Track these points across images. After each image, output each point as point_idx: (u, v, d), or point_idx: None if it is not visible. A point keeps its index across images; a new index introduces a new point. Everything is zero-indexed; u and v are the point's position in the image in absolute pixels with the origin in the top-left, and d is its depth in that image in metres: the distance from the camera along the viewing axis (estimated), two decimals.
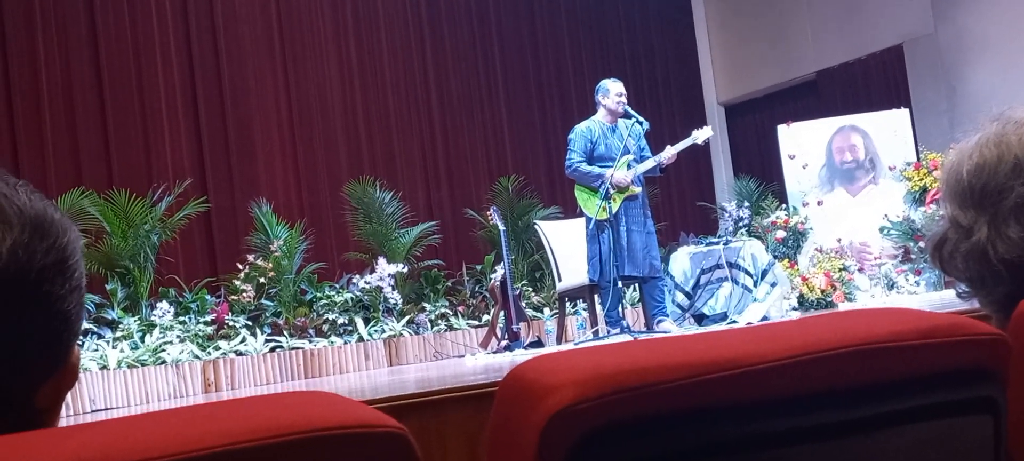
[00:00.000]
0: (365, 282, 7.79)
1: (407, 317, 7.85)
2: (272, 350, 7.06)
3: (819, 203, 9.32)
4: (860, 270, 8.68)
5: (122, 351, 6.41)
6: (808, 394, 0.80)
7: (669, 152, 6.53)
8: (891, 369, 0.84)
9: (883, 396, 0.83)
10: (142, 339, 6.60)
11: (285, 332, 7.24)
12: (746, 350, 0.79)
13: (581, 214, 6.68)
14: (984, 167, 1.16)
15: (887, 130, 9.37)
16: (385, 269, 7.81)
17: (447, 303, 8.33)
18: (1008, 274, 1.13)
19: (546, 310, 8.22)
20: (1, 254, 0.74)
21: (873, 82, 10.83)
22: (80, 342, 0.83)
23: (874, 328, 0.85)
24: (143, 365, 6.39)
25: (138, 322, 6.73)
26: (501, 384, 0.80)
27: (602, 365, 0.75)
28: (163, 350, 6.57)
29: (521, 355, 6.30)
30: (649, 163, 6.55)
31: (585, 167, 6.52)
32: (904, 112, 9.55)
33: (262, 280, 7.44)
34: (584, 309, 7.41)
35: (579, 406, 0.72)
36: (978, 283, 1.17)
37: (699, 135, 6.71)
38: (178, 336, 6.76)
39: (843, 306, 7.87)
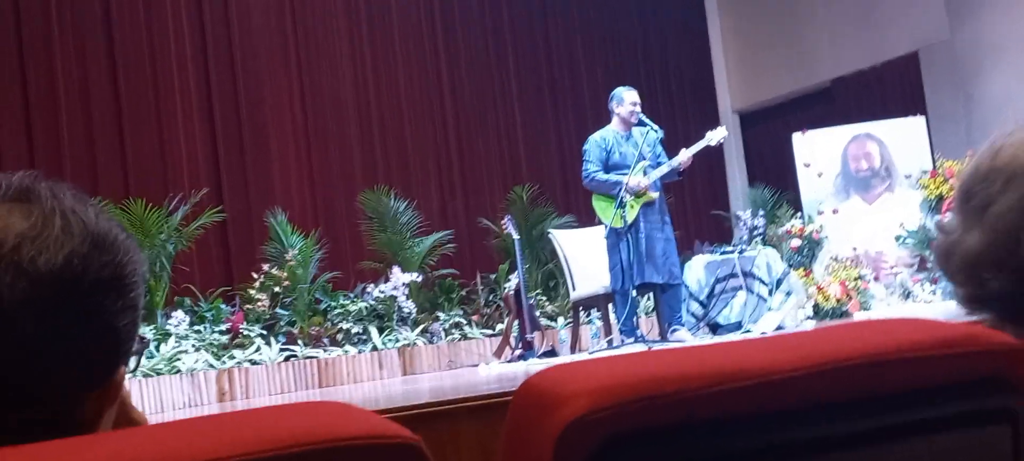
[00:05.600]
0: (379, 291, 7.80)
1: (421, 326, 7.86)
2: (286, 359, 7.08)
3: (834, 211, 9.28)
4: (876, 279, 8.64)
5: (137, 360, 6.44)
6: (824, 405, 0.80)
7: (684, 155, 6.52)
8: (908, 380, 0.83)
9: (900, 407, 0.82)
10: (157, 348, 6.63)
11: (300, 341, 7.26)
12: (762, 360, 0.79)
13: (599, 223, 6.68)
14: (969, 173, 1.15)
15: (903, 138, 9.32)
16: (399, 278, 7.82)
17: (461, 312, 8.33)
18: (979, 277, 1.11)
19: (560, 319, 8.21)
20: (57, 261, 0.76)
21: (889, 89, 10.79)
22: (135, 367, 0.86)
23: (891, 339, 0.85)
24: (158, 374, 6.42)
25: (153, 331, 6.75)
26: (516, 393, 0.80)
27: (618, 374, 0.75)
28: (178, 359, 6.59)
29: (535, 364, 6.30)
30: (664, 168, 6.54)
31: (602, 176, 6.52)
32: (920, 119, 9.51)
33: (277, 289, 7.46)
34: (598, 318, 7.40)
35: (594, 415, 0.72)
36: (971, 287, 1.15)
37: (713, 136, 6.69)
38: (193, 345, 6.78)
39: (858, 315, 7.84)
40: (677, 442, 0.75)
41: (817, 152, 9.41)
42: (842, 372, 0.80)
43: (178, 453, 0.60)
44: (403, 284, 7.81)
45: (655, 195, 6.52)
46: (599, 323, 7.27)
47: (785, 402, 0.79)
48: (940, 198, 8.68)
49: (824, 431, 0.79)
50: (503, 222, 7.76)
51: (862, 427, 0.80)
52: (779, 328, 6.90)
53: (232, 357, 6.89)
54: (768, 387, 0.77)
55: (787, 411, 0.79)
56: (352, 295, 7.94)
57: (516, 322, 7.03)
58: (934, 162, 9.03)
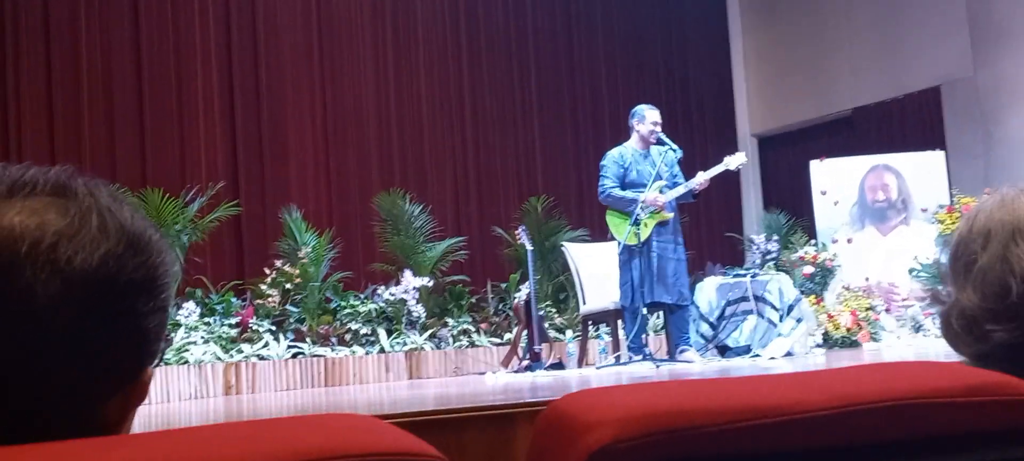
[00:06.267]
0: (390, 293, 7.80)
1: (429, 331, 7.86)
2: (294, 356, 7.09)
3: (849, 240, 9.25)
4: (887, 310, 8.60)
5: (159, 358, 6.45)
6: (851, 446, 0.79)
7: (701, 178, 6.51)
8: (936, 425, 0.83)
9: (927, 452, 0.82)
10: (169, 343, 6.63)
11: (308, 339, 7.26)
12: (789, 397, 0.78)
13: (612, 238, 6.67)
14: (954, 243, 1.23)
15: (921, 171, 9.30)
16: (410, 282, 7.82)
17: (470, 319, 8.33)
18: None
19: (569, 332, 8.19)
20: (93, 261, 0.75)
21: (909, 122, 10.75)
22: (156, 364, 0.86)
23: (920, 382, 0.84)
24: (166, 364, 6.43)
25: None
26: (541, 415, 0.79)
27: (644, 404, 0.74)
28: (187, 350, 6.60)
29: (542, 376, 6.29)
30: (681, 189, 6.53)
31: (618, 192, 6.52)
32: (939, 154, 9.48)
33: (288, 286, 7.47)
34: (607, 334, 7.39)
35: (619, 445, 0.71)
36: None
37: (731, 161, 6.67)
38: (202, 337, 6.80)
39: (868, 346, 7.80)
40: None
41: (834, 180, 9.39)
42: (870, 414, 0.79)
43: (205, 459, 0.60)
44: (413, 288, 7.81)
45: (669, 215, 6.51)
46: (608, 338, 7.26)
47: (810, 441, 0.78)
48: None
49: None
50: (517, 232, 7.76)
51: None
52: (788, 354, 6.87)
53: (240, 351, 6.90)
54: (795, 425, 0.77)
55: (812, 450, 0.78)
56: (362, 296, 7.95)
57: (525, 332, 7.03)
58: (951, 197, 9.00)
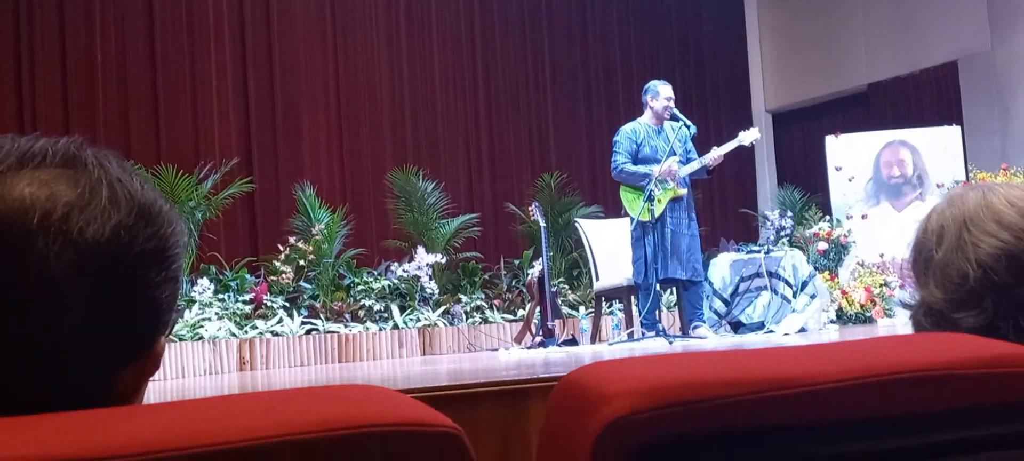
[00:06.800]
0: (403, 270, 7.82)
1: (443, 307, 7.87)
2: (308, 332, 7.11)
3: (863, 217, 9.21)
4: (901, 287, 8.56)
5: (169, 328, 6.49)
6: (867, 418, 0.79)
7: (715, 154, 6.49)
8: (952, 397, 0.82)
9: (943, 424, 0.81)
10: (181, 314, 6.68)
11: (321, 315, 7.29)
12: (805, 369, 0.78)
13: (625, 214, 6.66)
14: (912, 248, 1.32)
15: (937, 147, 9.24)
16: (424, 258, 7.83)
17: (483, 296, 8.34)
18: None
19: (582, 309, 8.20)
20: (104, 232, 0.75)
21: (925, 97, 10.68)
22: (167, 335, 0.87)
23: (936, 354, 0.84)
24: (181, 340, 6.47)
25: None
26: (556, 388, 0.79)
27: (661, 376, 0.74)
28: (201, 326, 6.64)
29: (555, 352, 6.29)
30: (694, 165, 6.51)
31: (631, 168, 6.50)
32: (955, 129, 9.41)
33: (302, 262, 7.49)
34: (620, 310, 7.39)
35: (635, 416, 0.71)
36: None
37: (746, 137, 6.64)
38: (217, 313, 6.83)
39: (882, 322, 7.78)
40: (717, 447, 0.74)
41: (849, 156, 9.34)
42: (886, 385, 0.79)
43: (226, 429, 0.60)
44: (427, 264, 7.82)
45: (683, 191, 6.49)
46: (621, 315, 7.26)
47: (827, 413, 0.78)
48: None
49: (866, 445, 0.78)
50: (531, 209, 7.75)
51: (905, 443, 0.79)
52: (802, 330, 6.86)
53: (254, 327, 6.93)
54: (812, 397, 0.76)
55: (829, 423, 0.78)
56: (376, 273, 7.97)
57: (538, 309, 7.03)
58: (967, 173, 8.94)
